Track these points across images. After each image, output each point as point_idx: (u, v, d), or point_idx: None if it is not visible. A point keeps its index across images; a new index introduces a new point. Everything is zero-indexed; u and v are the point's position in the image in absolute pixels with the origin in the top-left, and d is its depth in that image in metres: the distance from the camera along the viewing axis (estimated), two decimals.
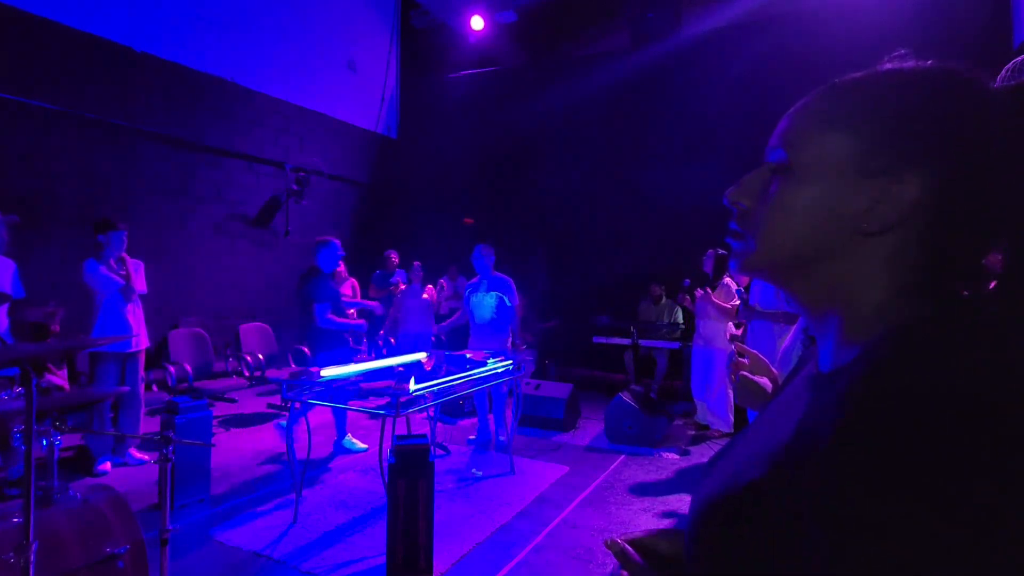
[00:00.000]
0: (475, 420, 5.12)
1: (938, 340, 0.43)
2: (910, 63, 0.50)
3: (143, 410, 4.39)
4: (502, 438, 4.84)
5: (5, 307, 3.80)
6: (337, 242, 4.54)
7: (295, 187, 7.58)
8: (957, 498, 0.32)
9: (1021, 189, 0.47)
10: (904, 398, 0.37)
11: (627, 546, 0.60)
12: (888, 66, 0.51)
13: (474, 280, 4.91)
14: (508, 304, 4.83)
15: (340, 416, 4.66)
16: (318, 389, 3.26)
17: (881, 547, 0.33)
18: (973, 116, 0.47)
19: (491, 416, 5.03)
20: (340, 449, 4.64)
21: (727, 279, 5.14)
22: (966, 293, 0.49)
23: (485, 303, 4.80)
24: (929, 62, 0.50)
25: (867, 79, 0.51)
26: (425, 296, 6.15)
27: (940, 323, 0.45)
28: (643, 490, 3.96)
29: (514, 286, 4.87)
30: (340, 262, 7.39)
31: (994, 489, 0.32)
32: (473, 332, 4.91)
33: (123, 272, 4.16)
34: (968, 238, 0.48)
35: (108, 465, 4.15)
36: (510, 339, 4.97)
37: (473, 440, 4.95)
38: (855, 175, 0.48)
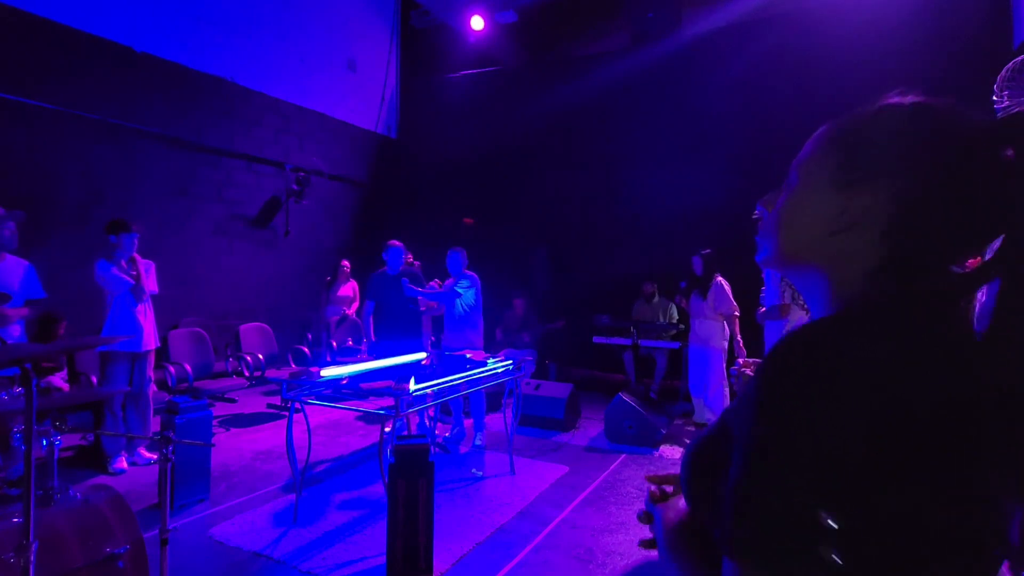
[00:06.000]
0: (470, 420, 5.15)
1: (851, 314, 0.55)
2: (895, 99, 0.59)
3: (151, 409, 4.40)
4: (479, 443, 4.87)
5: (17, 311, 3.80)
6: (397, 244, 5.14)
7: (295, 187, 7.57)
8: (757, 406, 0.49)
9: (993, 204, 0.53)
10: (782, 343, 0.51)
11: (650, 483, 0.77)
12: (879, 103, 0.60)
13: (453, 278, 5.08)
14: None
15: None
16: (318, 389, 3.26)
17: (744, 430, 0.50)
18: (930, 142, 0.55)
19: (469, 420, 5.10)
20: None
21: (719, 279, 5.23)
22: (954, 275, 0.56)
23: (463, 299, 4.97)
24: (911, 98, 0.58)
25: (854, 114, 0.62)
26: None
27: (874, 304, 0.56)
28: (643, 490, 3.95)
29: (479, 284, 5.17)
30: (344, 262, 7.39)
31: (768, 409, 0.48)
32: (447, 326, 5.06)
33: (133, 273, 4.19)
34: (928, 241, 0.56)
35: (124, 462, 4.15)
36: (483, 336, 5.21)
37: (447, 439, 4.96)
38: (830, 187, 0.60)
